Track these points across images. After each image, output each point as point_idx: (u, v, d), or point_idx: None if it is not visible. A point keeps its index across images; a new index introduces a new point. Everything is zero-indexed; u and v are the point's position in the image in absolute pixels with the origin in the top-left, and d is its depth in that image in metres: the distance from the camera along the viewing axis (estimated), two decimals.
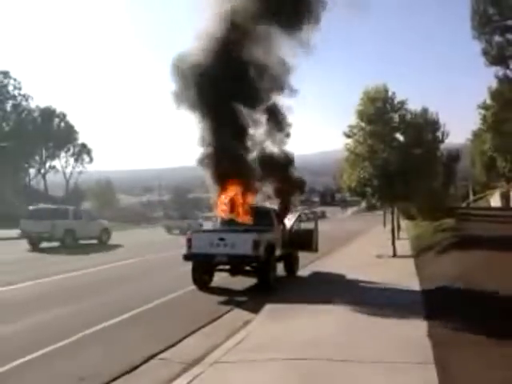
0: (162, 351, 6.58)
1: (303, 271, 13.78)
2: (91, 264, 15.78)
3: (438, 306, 8.37)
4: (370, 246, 21.19)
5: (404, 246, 20.02)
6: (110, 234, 25.62)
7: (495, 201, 51.72)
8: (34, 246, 22.26)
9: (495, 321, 6.88)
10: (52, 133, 69.94)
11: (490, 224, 23.93)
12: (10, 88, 66.06)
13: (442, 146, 29.90)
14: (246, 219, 11.90)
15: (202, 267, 11.48)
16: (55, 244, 22.42)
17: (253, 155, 12.72)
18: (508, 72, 27.98)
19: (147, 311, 9.08)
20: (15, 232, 24.46)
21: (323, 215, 52.52)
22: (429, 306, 8.39)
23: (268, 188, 13.32)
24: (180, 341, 7.09)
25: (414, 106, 19.15)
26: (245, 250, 10.51)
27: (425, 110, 26.13)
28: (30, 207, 25.08)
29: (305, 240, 13.66)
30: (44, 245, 22.37)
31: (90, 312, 8.95)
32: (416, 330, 6.84)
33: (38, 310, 9.10)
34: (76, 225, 23.22)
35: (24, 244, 22.26)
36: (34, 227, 22.08)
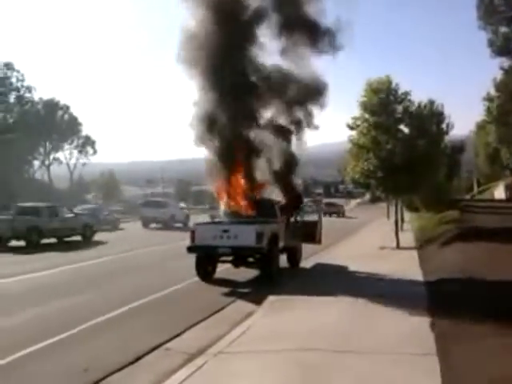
0: (166, 341, 6.64)
1: (306, 263, 13.79)
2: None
3: (441, 297, 8.39)
4: (373, 238, 21.22)
5: (407, 237, 20.01)
6: (189, 219, 32.36)
7: (499, 192, 51.51)
8: (145, 226, 31.06)
9: (498, 312, 6.89)
10: (55, 125, 69.96)
11: (494, 216, 23.89)
12: (14, 80, 66.01)
13: (447, 138, 29.80)
14: (250, 211, 11.91)
15: (206, 259, 11.50)
16: (159, 225, 30.57)
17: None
18: None
19: (154, 301, 9.16)
20: None
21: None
22: (431, 297, 8.40)
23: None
24: (184, 331, 7.14)
25: (418, 97, 19.00)
26: (248, 242, 10.51)
27: (431, 102, 26.01)
28: (144, 199, 36.92)
29: (308, 232, 13.66)
30: (152, 225, 30.78)
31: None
32: (418, 321, 6.87)
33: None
34: (175, 212, 32.52)
35: (131, 225, 31.60)
36: (149, 213, 30.82)
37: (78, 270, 13.30)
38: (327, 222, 33.91)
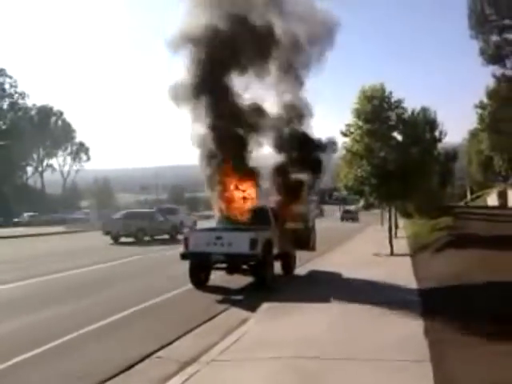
0: (158, 350, 6.58)
1: (300, 270, 13.74)
2: None
3: (435, 304, 8.39)
4: (367, 245, 21.23)
5: (401, 244, 20.06)
6: (197, 225, 33.49)
7: (492, 199, 51.86)
8: None
9: (491, 318, 6.89)
10: (49, 131, 69.87)
11: (487, 223, 23.98)
12: (7, 86, 65.90)
13: (440, 146, 30.05)
14: (244, 217, 11.84)
15: (199, 266, 11.43)
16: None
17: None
18: (505, 71, 28.08)
19: (145, 309, 9.09)
20: None
21: (321, 213, 54.24)
22: (425, 304, 8.40)
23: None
24: (176, 339, 7.09)
25: (411, 105, 19.14)
26: (242, 249, 10.44)
27: (424, 110, 26.23)
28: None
29: (302, 239, 13.59)
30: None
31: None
32: (412, 327, 6.85)
33: None
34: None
35: None
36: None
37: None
38: (333, 227, 34.94)
